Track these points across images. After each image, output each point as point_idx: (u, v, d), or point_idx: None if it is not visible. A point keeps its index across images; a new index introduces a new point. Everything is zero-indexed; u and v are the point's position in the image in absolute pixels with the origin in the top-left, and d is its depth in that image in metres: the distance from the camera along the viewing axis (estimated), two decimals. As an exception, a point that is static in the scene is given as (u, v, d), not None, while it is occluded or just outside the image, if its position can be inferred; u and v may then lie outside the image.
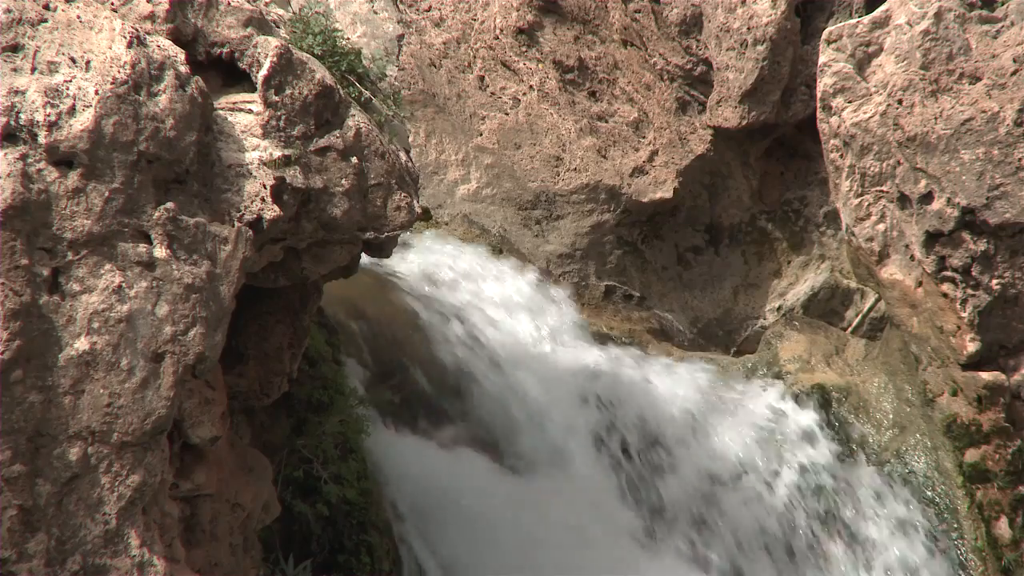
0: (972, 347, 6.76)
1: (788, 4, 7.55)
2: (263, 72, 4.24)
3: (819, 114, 7.12)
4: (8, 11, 3.81)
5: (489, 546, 5.74)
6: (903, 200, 6.84)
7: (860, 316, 8.09)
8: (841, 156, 7.05)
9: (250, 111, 4.24)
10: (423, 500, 5.79)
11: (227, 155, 4.13)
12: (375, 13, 8.58)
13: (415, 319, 6.88)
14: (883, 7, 6.90)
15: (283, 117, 4.26)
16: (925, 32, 6.64)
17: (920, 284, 6.92)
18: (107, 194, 3.79)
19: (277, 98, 4.25)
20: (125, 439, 3.79)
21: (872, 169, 6.91)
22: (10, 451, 3.62)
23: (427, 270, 7.58)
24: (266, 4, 4.73)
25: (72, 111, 3.76)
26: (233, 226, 4.06)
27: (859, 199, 7.02)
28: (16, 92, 3.72)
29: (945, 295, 6.76)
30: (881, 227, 7.01)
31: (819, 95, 7.05)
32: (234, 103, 4.26)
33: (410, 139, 8.44)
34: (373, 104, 4.72)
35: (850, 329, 8.08)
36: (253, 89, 4.29)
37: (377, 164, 4.48)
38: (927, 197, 6.70)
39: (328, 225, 4.42)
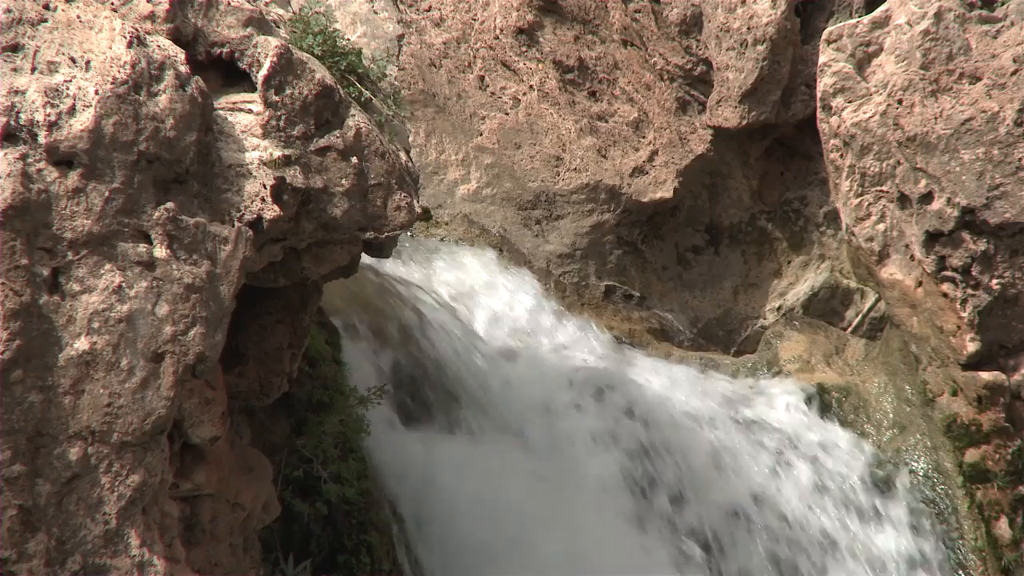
0: (972, 347, 6.76)
1: (788, 4, 7.55)
2: (263, 72, 4.24)
3: (819, 114, 7.12)
4: (8, 11, 3.81)
5: None
6: (903, 200, 6.84)
7: (860, 316, 8.10)
8: (841, 156, 7.05)
9: (250, 111, 4.25)
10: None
11: (227, 155, 4.13)
12: (375, 13, 8.58)
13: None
14: (883, 7, 6.90)
15: (283, 117, 4.26)
16: (925, 32, 6.64)
17: (920, 284, 6.92)
18: (107, 194, 3.79)
19: (277, 98, 4.25)
20: (125, 439, 3.79)
21: (872, 169, 6.91)
22: (10, 451, 3.63)
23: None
24: (266, 4, 4.73)
25: (72, 111, 3.76)
26: (233, 226, 4.06)
27: (859, 199, 7.02)
28: (16, 92, 3.73)
29: (945, 295, 6.77)
30: (881, 227, 7.01)
31: (819, 95, 7.05)
32: (234, 103, 4.26)
33: (410, 139, 8.45)
34: (373, 104, 4.72)
35: (850, 329, 8.08)
36: (253, 89, 4.29)
37: (377, 164, 4.48)
38: (927, 197, 6.70)
39: (328, 225, 4.42)
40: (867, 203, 7.01)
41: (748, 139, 8.10)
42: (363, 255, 4.91)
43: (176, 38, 4.16)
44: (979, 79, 6.55)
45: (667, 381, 7.41)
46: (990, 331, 6.77)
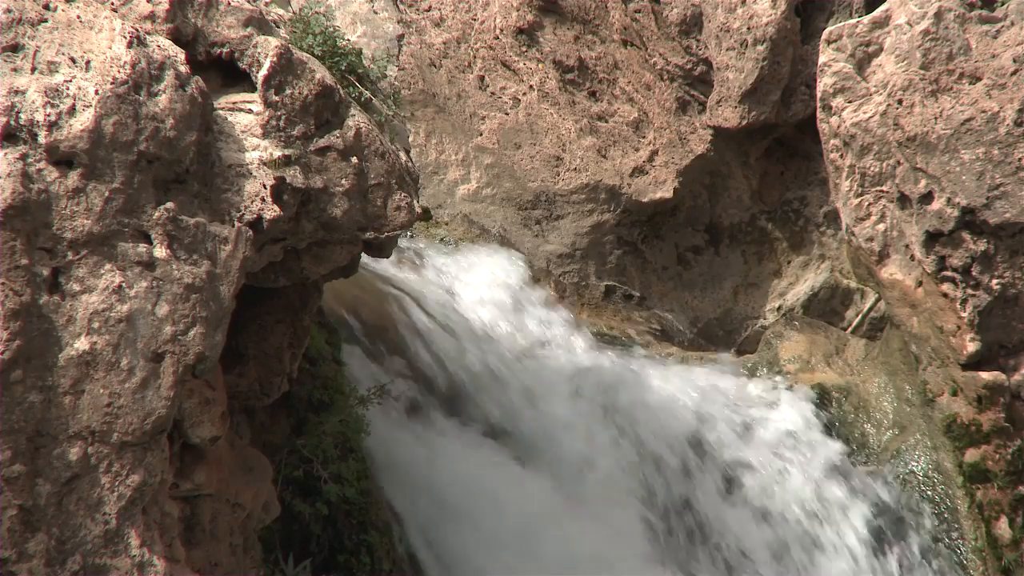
0: (972, 347, 6.76)
1: (788, 4, 7.55)
2: (263, 72, 4.24)
3: (819, 114, 7.12)
4: (8, 11, 3.81)
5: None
6: (903, 200, 6.84)
7: (860, 316, 8.10)
8: (841, 156, 7.05)
9: (250, 111, 4.25)
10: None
11: (227, 155, 4.13)
12: (375, 13, 8.58)
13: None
14: (883, 7, 6.90)
15: (283, 117, 4.26)
16: (925, 32, 6.64)
17: (920, 284, 6.92)
18: (107, 194, 3.79)
19: (277, 98, 4.25)
20: (125, 439, 3.79)
21: (872, 169, 6.91)
22: (10, 451, 3.63)
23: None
24: (266, 4, 4.73)
25: (72, 111, 3.76)
26: (233, 226, 4.06)
27: (859, 199, 7.02)
28: (16, 92, 3.73)
29: (945, 295, 6.77)
30: (881, 227, 7.01)
31: (819, 95, 7.05)
32: (234, 103, 4.26)
33: (410, 139, 8.44)
34: (373, 104, 4.72)
35: (850, 329, 8.08)
36: (253, 89, 4.29)
37: (377, 164, 4.49)
38: (927, 197, 6.70)
39: (328, 225, 4.42)
40: (867, 203, 7.01)
41: (748, 139, 8.10)
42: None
43: (176, 38, 4.16)
44: (979, 79, 6.55)
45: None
46: (990, 331, 6.77)
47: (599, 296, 8.29)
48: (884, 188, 6.92)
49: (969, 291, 6.69)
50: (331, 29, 4.64)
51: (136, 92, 3.85)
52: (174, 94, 3.93)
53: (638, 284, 8.37)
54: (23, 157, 3.69)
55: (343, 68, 4.65)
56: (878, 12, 6.91)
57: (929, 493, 6.89)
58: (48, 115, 3.73)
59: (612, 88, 8.18)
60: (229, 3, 4.30)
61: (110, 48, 3.87)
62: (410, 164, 4.80)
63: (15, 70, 3.77)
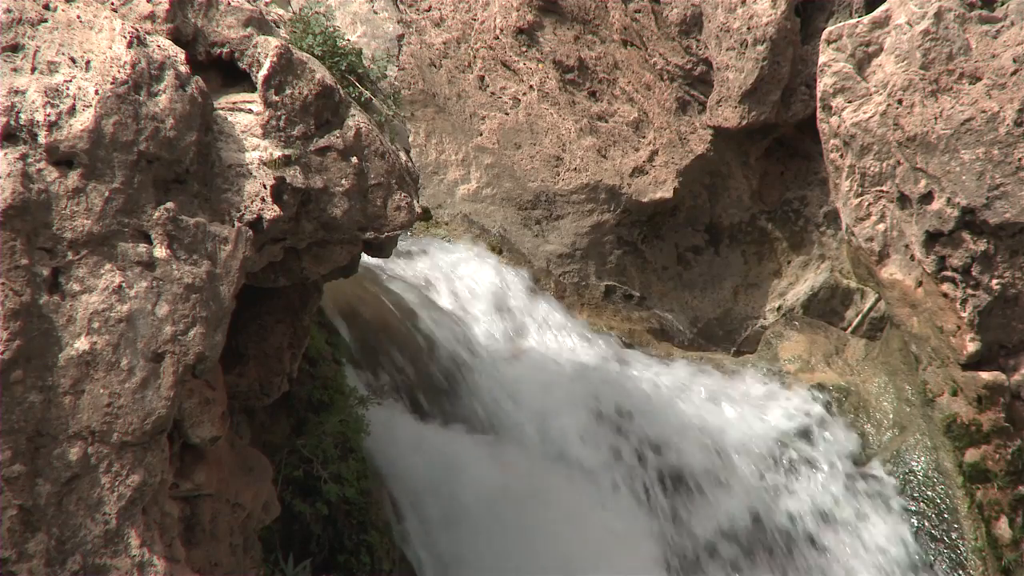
0: (972, 347, 6.76)
1: (788, 4, 7.54)
2: (263, 72, 4.24)
3: (819, 114, 7.12)
4: (8, 11, 3.81)
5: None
6: (903, 200, 6.84)
7: (860, 316, 8.10)
8: (841, 156, 7.05)
9: (250, 111, 4.25)
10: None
11: (227, 155, 4.13)
12: (375, 13, 8.58)
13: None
14: (883, 7, 6.90)
15: (283, 117, 4.26)
16: (925, 32, 6.65)
17: (920, 284, 6.92)
18: (107, 194, 3.79)
19: (277, 98, 4.25)
20: (125, 439, 3.79)
21: (872, 169, 6.92)
22: (10, 451, 3.63)
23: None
24: (266, 4, 4.73)
25: (72, 111, 3.76)
26: (233, 226, 4.06)
27: (859, 199, 7.02)
28: (16, 92, 3.73)
29: (945, 295, 6.77)
30: (881, 227, 7.01)
31: (819, 95, 7.05)
32: (234, 103, 4.26)
33: (410, 139, 8.45)
34: (373, 104, 4.72)
35: (850, 329, 8.08)
36: (253, 89, 4.29)
37: (377, 164, 4.49)
38: (927, 197, 6.70)
39: (328, 225, 4.42)
40: (867, 203, 7.01)
41: (748, 139, 8.10)
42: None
43: (176, 38, 4.16)
44: (979, 79, 6.55)
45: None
46: (990, 331, 6.77)
47: (599, 296, 8.30)
48: (884, 188, 6.92)
49: (969, 291, 6.69)
50: (331, 29, 4.65)
51: (136, 92, 3.85)
52: (174, 94, 3.93)
53: (638, 284, 8.37)
54: (23, 157, 3.70)
55: (343, 68, 4.65)
56: (878, 12, 6.91)
57: (929, 493, 6.89)
58: (48, 115, 3.73)
59: (612, 88, 8.18)
60: (229, 3, 4.30)
61: (110, 48, 3.87)
62: (410, 164, 4.81)
63: (15, 70, 3.77)
